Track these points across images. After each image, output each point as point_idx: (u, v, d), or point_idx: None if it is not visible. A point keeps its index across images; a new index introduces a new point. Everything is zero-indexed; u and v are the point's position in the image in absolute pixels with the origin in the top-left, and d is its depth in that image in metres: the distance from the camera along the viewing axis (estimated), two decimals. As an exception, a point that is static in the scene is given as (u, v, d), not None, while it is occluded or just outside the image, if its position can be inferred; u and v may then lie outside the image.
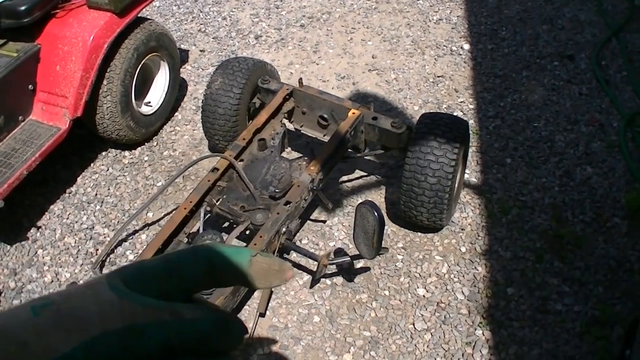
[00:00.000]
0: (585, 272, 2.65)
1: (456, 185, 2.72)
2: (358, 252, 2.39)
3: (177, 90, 3.68)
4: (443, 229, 2.86)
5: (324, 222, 2.96)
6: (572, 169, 3.13)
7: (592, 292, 2.57)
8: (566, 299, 2.55)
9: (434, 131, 2.58)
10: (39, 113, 2.98)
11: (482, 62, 3.92)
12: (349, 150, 2.86)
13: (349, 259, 2.55)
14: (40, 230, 3.01)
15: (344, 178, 3.20)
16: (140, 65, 3.25)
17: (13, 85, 2.86)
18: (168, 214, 3.04)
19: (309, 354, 2.44)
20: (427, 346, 2.43)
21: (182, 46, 4.26)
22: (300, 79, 3.01)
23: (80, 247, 2.92)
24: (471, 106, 3.59)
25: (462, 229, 2.88)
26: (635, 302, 2.51)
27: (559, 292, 2.58)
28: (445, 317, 2.52)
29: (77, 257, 2.88)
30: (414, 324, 2.51)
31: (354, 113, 2.77)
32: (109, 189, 3.22)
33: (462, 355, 2.39)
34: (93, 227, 3.02)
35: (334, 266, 2.69)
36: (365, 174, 3.22)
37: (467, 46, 4.07)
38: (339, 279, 2.69)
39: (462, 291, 2.62)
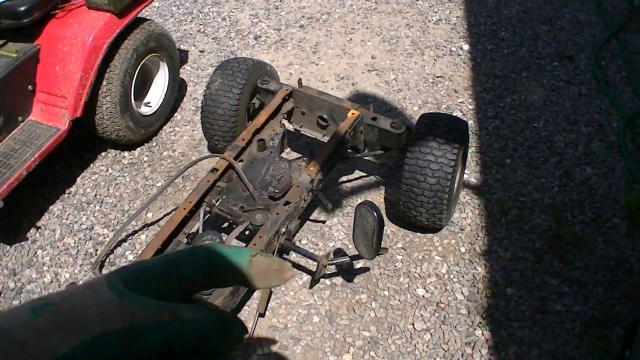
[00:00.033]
0: (584, 272, 2.65)
1: (455, 185, 2.72)
2: (357, 253, 2.39)
3: (177, 90, 3.68)
4: (442, 229, 2.86)
5: (324, 222, 2.96)
6: (572, 169, 3.13)
7: (591, 292, 2.57)
8: (566, 299, 2.55)
9: (434, 132, 2.58)
10: (38, 113, 2.98)
11: (482, 62, 3.92)
12: (349, 150, 2.86)
13: (348, 259, 2.55)
14: (39, 230, 3.01)
15: (344, 178, 3.20)
16: (139, 66, 3.25)
17: (12, 86, 2.86)
18: (167, 214, 3.04)
19: (309, 354, 2.44)
20: (427, 346, 2.43)
21: (181, 47, 4.26)
22: (300, 79, 3.01)
23: (79, 247, 2.92)
24: (470, 107, 3.59)
25: (461, 230, 2.88)
26: (634, 303, 2.51)
27: (559, 293, 2.58)
28: (444, 317, 2.52)
29: (77, 257, 2.88)
30: (413, 324, 2.51)
31: (353, 113, 2.78)
32: (108, 190, 3.22)
33: (462, 355, 2.39)
34: (92, 228, 3.02)
35: (334, 266, 2.69)
36: (364, 174, 3.22)
37: (466, 47, 4.07)
38: (339, 279, 2.69)
39: (461, 291, 2.62)
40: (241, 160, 2.71)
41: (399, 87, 3.77)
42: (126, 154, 3.43)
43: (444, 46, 4.08)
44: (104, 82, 3.07)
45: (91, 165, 3.37)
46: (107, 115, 3.13)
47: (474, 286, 2.63)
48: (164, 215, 3.05)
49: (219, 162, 2.65)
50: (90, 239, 2.96)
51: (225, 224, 2.89)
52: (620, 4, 4.34)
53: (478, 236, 2.84)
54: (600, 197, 2.98)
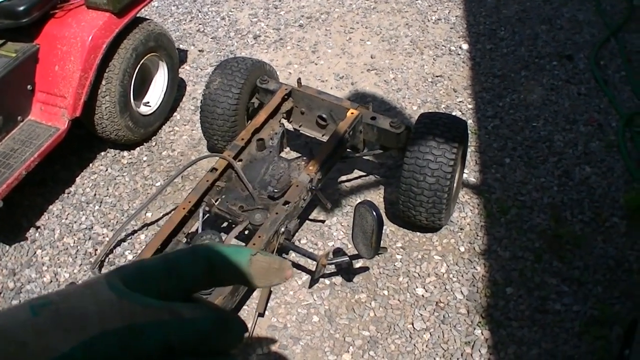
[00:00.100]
0: (584, 271, 2.65)
1: (455, 185, 2.72)
2: (357, 252, 2.39)
3: (176, 90, 3.68)
4: (442, 228, 2.86)
5: (323, 222, 2.96)
6: (571, 168, 3.13)
7: (591, 291, 2.57)
8: (565, 298, 2.55)
9: (433, 131, 2.58)
10: (37, 113, 2.98)
11: (481, 62, 3.92)
12: (348, 150, 2.86)
13: (347, 258, 2.55)
14: (39, 230, 3.01)
15: (343, 178, 3.20)
16: (139, 66, 3.25)
17: (12, 86, 2.85)
18: (167, 214, 3.04)
19: (308, 354, 2.44)
20: (426, 346, 2.43)
21: (180, 46, 4.26)
22: (299, 79, 3.01)
23: (79, 247, 2.92)
24: (470, 106, 3.59)
25: (461, 229, 2.88)
26: (634, 302, 2.51)
27: (558, 292, 2.58)
28: (444, 316, 2.52)
29: (76, 257, 2.88)
30: (412, 324, 2.51)
31: (352, 113, 2.78)
32: (107, 189, 3.22)
33: (461, 354, 2.39)
34: (92, 227, 3.02)
35: (333, 266, 2.69)
36: (364, 173, 3.22)
37: (465, 46, 4.07)
38: (338, 279, 2.69)
39: (461, 291, 2.62)
40: (240, 160, 2.71)
41: (398, 87, 3.77)
42: (125, 153, 3.43)
43: (443, 45, 4.08)
44: (103, 82, 3.07)
45: (90, 165, 3.37)
46: (106, 114, 3.13)
47: (474, 285, 2.64)
48: (164, 215, 3.05)
49: (218, 162, 2.65)
50: (90, 238, 2.96)
51: (225, 224, 2.88)
52: (619, 3, 4.34)
53: (477, 235, 2.84)
54: (599, 197, 2.98)
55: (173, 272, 0.44)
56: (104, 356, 0.38)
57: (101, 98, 3.09)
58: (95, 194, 3.19)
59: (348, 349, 2.44)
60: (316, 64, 4.02)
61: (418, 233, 2.87)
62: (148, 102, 3.52)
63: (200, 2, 4.75)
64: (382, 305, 2.59)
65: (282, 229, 2.40)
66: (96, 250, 2.90)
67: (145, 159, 3.40)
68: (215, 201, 2.57)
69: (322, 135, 2.93)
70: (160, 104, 3.54)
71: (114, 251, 2.87)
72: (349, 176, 3.21)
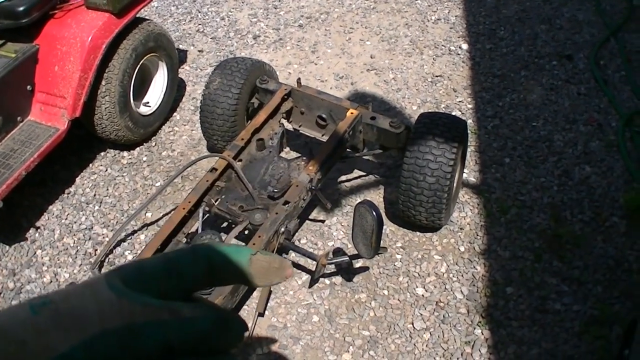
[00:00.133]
0: (584, 271, 2.65)
1: (455, 184, 2.72)
2: (357, 252, 2.39)
3: (176, 90, 3.68)
4: (442, 228, 2.86)
5: (323, 221, 2.96)
6: (571, 168, 3.13)
7: (591, 291, 2.57)
8: (565, 298, 2.55)
9: (433, 131, 2.58)
10: (37, 114, 2.98)
11: (481, 61, 3.92)
12: (348, 150, 2.86)
13: (347, 258, 2.55)
14: (39, 230, 3.01)
15: (343, 178, 3.20)
16: (138, 66, 3.25)
17: (11, 86, 2.85)
18: (167, 214, 3.04)
19: (308, 354, 2.44)
20: (426, 345, 2.43)
21: (180, 46, 4.26)
22: (299, 78, 3.01)
23: (79, 247, 2.92)
24: (470, 106, 3.59)
25: (460, 229, 2.88)
26: (634, 302, 2.51)
27: (558, 292, 2.58)
28: (444, 316, 2.52)
29: (76, 257, 2.88)
30: (412, 324, 2.51)
31: (352, 113, 2.78)
32: (107, 190, 3.22)
33: (461, 354, 2.39)
34: (92, 228, 3.02)
35: (333, 266, 2.69)
36: (363, 173, 3.22)
37: (465, 46, 4.07)
38: (338, 279, 2.69)
39: (461, 290, 2.62)
40: (240, 160, 2.71)
41: (398, 87, 3.77)
42: (125, 153, 3.43)
43: (443, 45, 4.09)
44: (103, 82, 3.07)
45: (90, 165, 3.37)
46: (106, 115, 3.13)
47: (474, 285, 2.64)
48: (163, 215, 3.05)
49: (218, 162, 2.65)
50: (90, 238, 2.96)
51: (225, 224, 2.88)
52: (619, 3, 4.34)
53: (477, 235, 2.84)
54: (599, 196, 2.98)
55: (173, 272, 0.43)
56: (103, 355, 0.38)
57: (101, 98, 3.09)
58: (95, 194, 3.19)
59: (348, 348, 2.44)
60: (316, 64, 4.02)
61: (418, 233, 2.87)
62: (148, 103, 3.52)
63: (199, 2, 4.75)
64: (382, 305, 2.59)
65: (282, 229, 2.40)
66: (96, 250, 2.90)
67: (145, 159, 3.40)
68: (215, 201, 2.57)
69: (322, 135, 2.93)
70: (160, 104, 3.54)
71: (114, 251, 2.87)
72: (349, 176, 3.21)
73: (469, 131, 2.95)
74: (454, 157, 2.53)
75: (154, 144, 3.51)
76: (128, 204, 3.13)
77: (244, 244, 2.63)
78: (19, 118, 2.95)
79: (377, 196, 3.08)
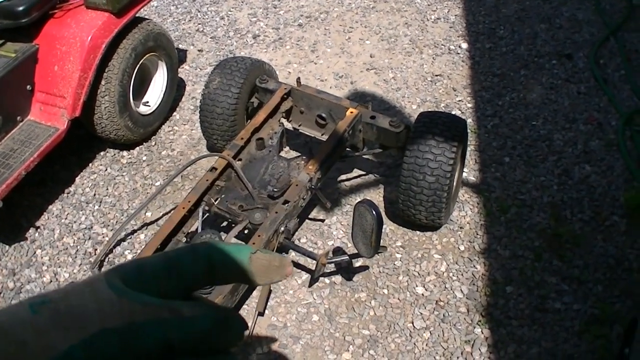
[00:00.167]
0: (584, 270, 2.65)
1: (454, 184, 2.72)
2: (356, 251, 2.39)
3: (175, 90, 3.68)
4: (442, 227, 2.86)
5: (323, 221, 2.96)
6: (571, 167, 3.13)
7: (591, 290, 2.57)
8: (565, 297, 2.55)
9: (432, 130, 2.58)
10: (37, 113, 2.98)
11: (480, 61, 3.92)
12: (347, 149, 2.86)
13: (347, 257, 2.55)
14: (38, 230, 3.01)
15: (343, 177, 3.20)
16: (138, 65, 3.25)
17: (11, 86, 2.85)
18: (166, 213, 3.04)
19: (308, 353, 2.44)
20: (426, 345, 2.43)
21: (180, 46, 4.25)
22: (298, 78, 3.01)
23: (78, 247, 2.92)
24: (469, 105, 3.59)
25: (460, 228, 2.88)
26: (634, 301, 2.51)
27: (558, 291, 2.58)
28: (444, 315, 2.52)
29: (76, 257, 2.88)
30: (412, 323, 2.51)
31: (352, 112, 2.77)
32: (107, 189, 3.22)
33: (461, 353, 2.39)
34: (91, 227, 3.02)
35: (333, 265, 2.69)
36: (363, 173, 3.22)
37: (465, 45, 4.07)
38: (338, 278, 2.69)
39: (461, 290, 2.62)
40: (240, 159, 2.71)
41: (398, 86, 3.77)
42: (125, 153, 3.43)
43: (442, 45, 4.08)
44: (103, 82, 3.07)
45: (90, 164, 3.37)
46: (105, 114, 3.13)
47: (474, 284, 2.64)
48: (163, 215, 3.04)
49: (218, 161, 2.65)
50: (90, 238, 2.96)
51: (224, 223, 2.88)
52: (618, 2, 4.34)
53: (477, 234, 2.84)
54: (599, 195, 2.98)
55: (173, 271, 0.43)
56: (103, 354, 0.38)
57: (100, 98, 3.09)
58: (94, 194, 3.19)
59: (348, 348, 2.44)
60: (315, 64, 4.02)
61: (418, 232, 2.87)
62: (147, 102, 3.51)
63: (199, 1, 4.75)
64: (382, 304, 2.58)
65: (282, 228, 2.40)
66: (96, 250, 2.90)
67: (144, 158, 3.40)
68: (215, 200, 2.57)
69: (322, 135, 2.93)
70: (160, 103, 3.54)
71: (114, 251, 2.87)
72: (349, 175, 3.21)
73: (468, 130, 2.95)
74: (453, 156, 2.53)
75: (153, 143, 3.51)
76: (128, 204, 3.13)
77: (244, 243, 2.63)
78: (18, 118, 2.95)
79: (376, 195, 3.08)
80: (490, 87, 3.70)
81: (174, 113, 3.72)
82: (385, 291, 2.63)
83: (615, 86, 3.63)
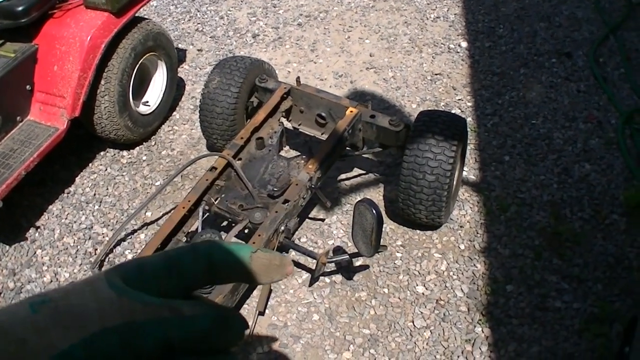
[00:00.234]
0: (584, 269, 2.65)
1: (454, 182, 2.72)
2: (357, 250, 2.39)
3: (175, 89, 3.68)
4: (442, 226, 2.86)
5: (323, 220, 2.96)
6: (571, 166, 3.13)
7: (591, 289, 2.57)
8: (565, 296, 2.55)
9: (432, 129, 2.58)
10: (36, 113, 2.98)
11: (480, 59, 3.92)
12: (347, 148, 2.86)
13: (347, 257, 2.55)
14: (38, 230, 3.01)
15: (342, 176, 3.20)
16: (137, 65, 3.25)
17: (11, 86, 2.85)
18: (166, 213, 3.04)
19: (309, 352, 2.44)
20: (427, 344, 2.43)
21: (179, 45, 4.25)
22: (298, 77, 3.01)
23: (79, 247, 2.92)
24: (469, 104, 3.59)
25: (460, 227, 2.88)
26: (634, 299, 2.51)
27: (558, 290, 2.58)
28: (444, 314, 2.52)
29: (76, 257, 2.88)
30: (413, 322, 2.51)
31: (351, 111, 2.77)
32: (107, 189, 3.22)
33: (462, 352, 2.39)
34: (92, 227, 3.02)
35: (333, 264, 2.69)
36: (363, 172, 3.22)
37: (464, 44, 4.07)
38: (338, 277, 2.69)
39: (461, 289, 2.62)
40: (240, 159, 2.71)
41: (398, 85, 3.77)
42: (125, 153, 3.43)
43: (442, 43, 4.08)
44: (102, 82, 3.07)
45: (90, 164, 3.37)
46: (105, 114, 3.13)
47: (474, 283, 2.64)
48: (163, 214, 3.04)
49: (218, 161, 2.65)
50: (90, 238, 2.96)
51: (225, 223, 2.88)
52: (618, 0, 4.34)
53: (477, 233, 2.84)
54: (599, 194, 2.98)
55: (173, 270, 0.43)
56: (103, 354, 0.38)
57: (100, 98, 3.09)
58: (94, 194, 3.19)
59: (348, 347, 2.44)
60: (315, 63, 4.02)
61: (418, 231, 2.87)
62: (147, 102, 3.51)
63: (198, 1, 4.75)
64: (382, 303, 2.59)
65: (282, 228, 2.40)
66: (96, 249, 2.90)
67: (144, 158, 3.40)
68: (215, 200, 2.57)
69: (322, 134, 2.93)
70: (160, 103, 3.53)
71: (114, 250, 2.87)
72: (349, 174, 3.21)
73: (468, 129, 2.95)
74: (453, 155, 2.53)
75: (153, 143, 3.51)
76: (128, 203, 3.13)
77: (244, 242, 2.63)
78: (18, 118, 2.95)
79: (376, 194, 3.08)
80: (490, 85, 3.70)
81: (174, 113, 3.72)
82: (386, 290, 2.64)
83: (614, 85, 3.63)
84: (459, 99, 3.62)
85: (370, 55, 4.03)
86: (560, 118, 3.43)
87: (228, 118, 2.96)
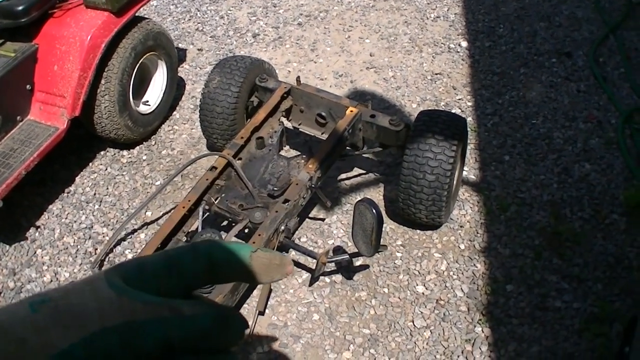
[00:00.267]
0: (584, 269, 2.65)
1: (454, 182, 2.72)
2: (357, 250, 2.39)
3: (175, 89, 3.68)
4: (442, 226, 2.86)
5: (323, 220, 2.96)
6: (571, 165, 3.13)
7: (591, 289, 2.57)
8: (565, 296, 2.55)
9: (432, 129, 2.58)
10: (37, 113, 2.98)
11: (480, 59, 3.92)
12: (347, 148, 2.86)
13: (347, 256, 2.55)
14: (39, 230, 3.01)
15: (343, 176, 3.20)
16: (138, 65, 3.25)
17: (11, 86, 2.85)
18: (167, 212, 3.04)
19: (309, 352, 2.44)
20: (427, 343, 2.43)
21: (179, 45, 4.25)
22: (298, 77, 3.00)
23: (79, 246, 2.92)
24: (469, 103, 3.59)
25: (460, 226, 2.88)
26: (634, 299, 2.51)
27: (558, 289, 2.58)
28: (444, 314, 2.52)
29: (76, 256, 2.88)
30: (413, 322, 2.51)
31: (352, 111, 2.77)
32: (107, 189, 3.22)
33: (462, 352, 2.39)
34: (92, 227, 3.02)
35: (333, 264, 2.69)
36: (363, 171, 3.22)
37: (464, 44, 4.07)
38: (338, 277, 2.69)
39: (461, 288, 2.62)
40: (240, 159, 2.71)
41: (398, 85, 3.77)
42: (125, 152, 3.43)
43: (442, 43, 4.08)
44: (102, 81, 3.07)
45: (90, 164, 3.37)
46: (105, 114, 3.13)
47: (474, 283, 2.64)
48: (163, 214, 3.04)
49: (218, 161, 2.65)
50: (90, 238, 2.96)
51: (225, 222, 2.88)
52: (617, 0, 4.34)
53: (477, 233, 2.84)
54: (599, 194, 2.98)
55: (173, 269, 0.43)
56: (103, 353, 0.38)
57: (100, 97, 3.09)
58: (95, 193, 3.19)
59: (348, 347, 2.44)
60: (315, 62, 4.01)
61: (418, 231, 2.87)
62: (147, 101, 3.51)
63: (199, 1, 4.75)
64: (382, 303, 2.59)
65: (282, 227, 2.40)
66: (96, 249, 2.90)
67: (144, 158, 3.40)
68: (215, 200, 2.57)
69: (322, 134, 2.93)
70: (160, 103, 3.53)
71: (114, 250, 2.87)
72: (349, 174, 3.21)
73: (468, 129, 2.95)
74: (453, 155, 2.53)
75: (153, 142, 3.51)
76: (128, 203, 3.13)
77: (244, 242, 2.62)
78: (18, 117, 2.95)
79: (376, 194, 3.08)
80: (490, 85, 3.70)
81: (174, 112, 3.71)
82: (386, 290, 2.64)
83: (614, 84, 3.63)
84: (459, 99, 3.62)
85: (371, 55, 4.03)
86: (560, 118, 3.43)
87: (228, 118, 2.96)
